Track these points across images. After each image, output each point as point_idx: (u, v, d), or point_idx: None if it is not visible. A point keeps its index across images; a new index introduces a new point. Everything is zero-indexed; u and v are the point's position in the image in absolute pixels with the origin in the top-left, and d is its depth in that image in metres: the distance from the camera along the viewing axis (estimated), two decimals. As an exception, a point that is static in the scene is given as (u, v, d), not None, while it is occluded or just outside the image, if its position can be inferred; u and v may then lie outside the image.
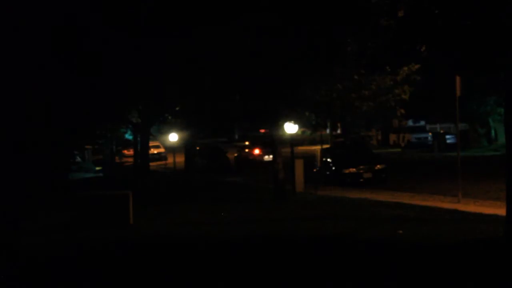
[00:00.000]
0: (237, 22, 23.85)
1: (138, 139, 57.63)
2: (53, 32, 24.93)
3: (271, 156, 35.60)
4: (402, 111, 32.21)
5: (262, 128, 70.75)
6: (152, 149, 69.37)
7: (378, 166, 36.56)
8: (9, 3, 24.17)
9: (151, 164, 61.10)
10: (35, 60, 25.86)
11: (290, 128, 31.26)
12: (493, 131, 60.48)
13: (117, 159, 72.55)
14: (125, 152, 78.81)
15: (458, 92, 24.80)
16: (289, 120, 30.67)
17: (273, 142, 30.74)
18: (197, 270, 14.23)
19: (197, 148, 59.50)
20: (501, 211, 16.63)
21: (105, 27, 25.16)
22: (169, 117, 55.30)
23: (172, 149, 61.24)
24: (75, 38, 25.36)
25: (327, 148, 41.73)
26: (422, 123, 72.68)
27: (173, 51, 26.06)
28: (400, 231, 17.97)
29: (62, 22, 24.62)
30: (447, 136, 62.68)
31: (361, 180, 35.75)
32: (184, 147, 57.99)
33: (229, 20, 23.85)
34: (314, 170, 37.80)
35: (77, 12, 24.45)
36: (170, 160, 65.47)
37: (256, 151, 59.82)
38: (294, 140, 34.26)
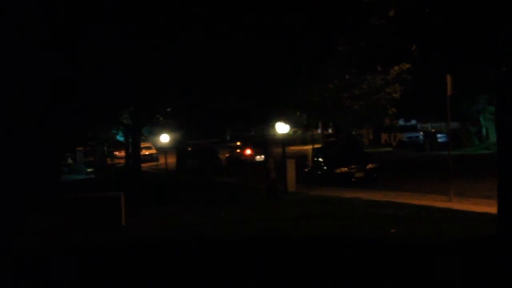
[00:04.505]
0: (230, 22, 23.85)
1: (130, 140, 57.61)
2: (45, 31, 24.90)
3: (262, 156, 35.61)
4: (394, 110, 32.22)
5: (253, 129, 70.74)
6: (143, 150, 69.33)
7: (370, 165, 36.59)
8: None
9: (142, 165, 61.09)
10: (25, 60, 25.81)
11: (282, 128, 31.26)
12: (484, 130, 60.62)
13: (108, 161, 72.44)
14: (117, 153, 78.78)
15: (449, 91, 24.85)
16: (281, 120, 30.68)
17: (264, 142, 30.75)
18: (189, 271, 14.21)
19: (189, 148, 59.48)
20: (493, 210, 16.65)
21: (97, 28, 25.14)
22: (161, 118, 55.27)
23: (163, 150, 61.16)
24: (68, 39, 25.34)
25: (318, 148, 41.76)
26: (414, 122, 72.85)
27: (165, 52, 26.05)
28: (393, 230, 17.98)
29: (54, 21, 24.60)
30: (439, 135, 62.80)
31: (353, 179, 35.77)
32: (176, 148, 57.99)
33: (222, 20, 23.85)
34: (306, 170, 37.81)
35: (71, 12, 24.43)
36: (161, 161, 65.45)
37: (248, 151, 59.84)
38: (285, 140, 34.28)
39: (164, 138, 56.77)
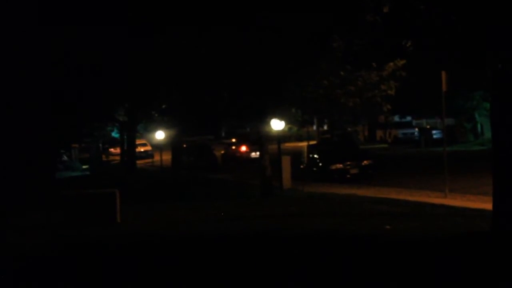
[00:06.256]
0: (224, 21, 23.86)
1: (125, 137, 57.64)
2: (42, 32, 24.89)
3: (258, 153, 35.59)
4: (389, 106, 32.23)
5: (248, 126, 70.74)
6: (139, 147, 69.39)
7: (365, 162, 36.64)
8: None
9: (138, 162, 61.13)
10: (22, 59, 25.81)
11: (277, 124, 31.26)
12: (479, 126, 60.73)
13: (104, 157, 72.48)
14: (112, 150, 78.93)
15: (444, 87, 24.87)
16: (276, 116, 30.67)
17: (260, 139, 30.75)
18: (183, 268, 14.20)
19: (184, 145, 59.52)
20: (488, 206, 16.68)
21: (92, 26, 25.14)
22: (156, 115, 55.32)
23: (159, 147, 61.17)
24: (64, 38, 25.33)
25: (314, 144, 41.77)
26: (409, 118, 72.93)
27: (161, 50, 26.05)
28: (388, 227, 17.99)
29: (50, 21, 24.60)
30: (434, 131, 62.94)
31: (348, 176, 35.83)
32: (171, 144, 58.01)
33: (216, 20, 23.85)
34: (301, 166, 37.82)
35: (66, 12, 24.44)
36: (157, 157, 65.43)
37: (243, 148, 59.87)
38: (280, 137, 34.27)
39: (159, 135, 56.85)
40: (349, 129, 73.68)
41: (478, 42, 15.65)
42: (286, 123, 35.86)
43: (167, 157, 59.84)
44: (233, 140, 68.87)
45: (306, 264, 13.87)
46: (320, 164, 37.12)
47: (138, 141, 67.02)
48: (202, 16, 23.86)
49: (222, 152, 63.40)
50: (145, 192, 35.56)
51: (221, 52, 25.27)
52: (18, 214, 25.63)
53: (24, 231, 21.19)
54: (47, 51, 26.26)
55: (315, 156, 37.91)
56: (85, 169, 64.65)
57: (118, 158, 67.04)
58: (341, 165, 36.21)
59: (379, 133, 74.99)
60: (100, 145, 70.78)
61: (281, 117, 31.36)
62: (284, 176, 32.93)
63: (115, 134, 70.05)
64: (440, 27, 15.93)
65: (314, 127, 73.58)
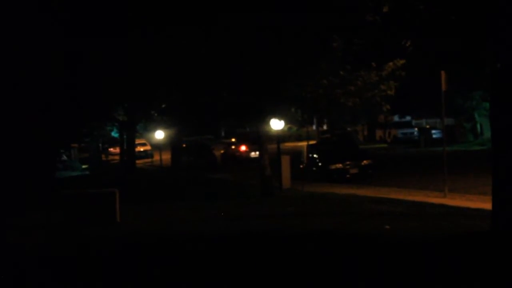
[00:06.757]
0: (224, 21, 23.86)
1: (125, 137, 57.65)
2: (41, 31, 24.89)
3: (257, 153, 35.59)
4: (388, 106, 32.24)
5: (248, 125, 70.69)
6: (138, 147, 69.46)
7: (365, 161, 36.64)
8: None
9: (137, 161, 61.16)
10: (21, 60, 25.81)
11: (276, 124, 31.26)
12: (478, 126, 60.77)
13: (103, 157, 72.52)
14: (112, 150, 78.95)
15: (443, 87, 24.88)
16: (275, 116, 30.67)
17: (259, 139, 30.75)
18: (183, 268, 14.20)
19: (183, 145, 59.55)
20: (488, 206, 16.67)
21: (91, 25, 25.14)
22: (155, 115, 55.34)
23: (158, 147, 61.18)
24: (62, 37, 25.33)
25: (313, 144, 41.75)
26: (408, 118, 72.99)
27: (161, 50, 26.05)
28: (387, 226, 18.00)
29: (47, 21, 24.59)
30: (433, 131, 62.98)
31: (348, 175, 35.82)
32: (171, 144, 58.03)
33: (216, 18, 23.86)
34: (301, 166, 37.81)
35: (65, 11, 24.44)
36: (156, 157, 65.45)
37: (243, 148, 59.85)
38: (280, 136, 34.26)
39: (159, 135, 56.89)
40: (348, 128, 73.70)
41: (478, 42, 15.67)
42: (286, 123, 35.91)
43: (166, 156, 59.86)
44: (233, 139, 68.86)
45: (306, 263, 13.88)
46: (320, 164, 37.11)
47: (137, 141, 67.05)
48: (202, 16, 23.86)
49: (222, 151, 63.41)
50: (145, 192, 35.55)
51: (221, 52, 25.28)
52: (18, 214, 25.62)
53: (24, 231, 21.19)
54: (47, 50, 26.25)
55: (315, 155, 37.90)
56: (84, 169, 64.65)
57: (117, 157, 67.08)
58: (340, 165, 36.21)
59: (379, 133, 75.07)
60: (100, 144, 70.80)
61: (280, 117, 31.37)
62: (284, 175, 32.93)
63: (114, 134, 70.01)
64: (440, 27, 15.95)
65: (314, 127, 73.62)
